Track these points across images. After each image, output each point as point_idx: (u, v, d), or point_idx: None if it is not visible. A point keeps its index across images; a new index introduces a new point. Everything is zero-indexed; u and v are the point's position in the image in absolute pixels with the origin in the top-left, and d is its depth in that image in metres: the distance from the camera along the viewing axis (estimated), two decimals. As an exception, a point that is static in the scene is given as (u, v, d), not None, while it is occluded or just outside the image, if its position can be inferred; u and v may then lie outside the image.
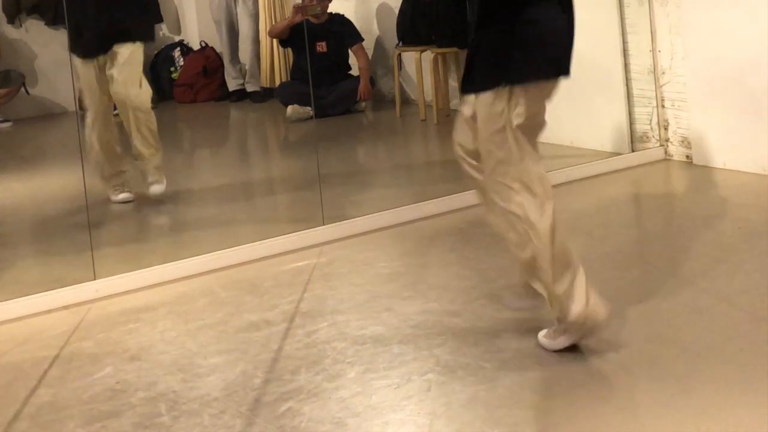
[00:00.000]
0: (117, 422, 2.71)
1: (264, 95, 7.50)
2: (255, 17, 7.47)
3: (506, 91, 2.81)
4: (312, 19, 6.94)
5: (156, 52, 7.59)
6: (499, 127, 2.83)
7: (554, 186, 4.73)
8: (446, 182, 4.87)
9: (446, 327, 3.16)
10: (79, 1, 4.79)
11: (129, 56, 4.85)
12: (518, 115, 2.81)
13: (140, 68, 4.93)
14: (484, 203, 3.02)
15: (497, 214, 2.91)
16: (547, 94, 2.89)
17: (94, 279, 3.84)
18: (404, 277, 3.69)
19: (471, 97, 2.92)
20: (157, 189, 4.98)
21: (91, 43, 4.87)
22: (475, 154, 2.96)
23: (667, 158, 5.17)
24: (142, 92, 4.88)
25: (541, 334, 2.97)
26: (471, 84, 2.90)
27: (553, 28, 2.86)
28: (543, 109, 2.90)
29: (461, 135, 3.00)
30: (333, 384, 2.83)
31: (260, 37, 7.46)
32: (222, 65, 7.64)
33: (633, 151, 5.25)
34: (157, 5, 5.49)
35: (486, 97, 2.84)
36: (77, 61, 4.89)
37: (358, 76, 7.11)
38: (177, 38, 7.80)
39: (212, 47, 7.71)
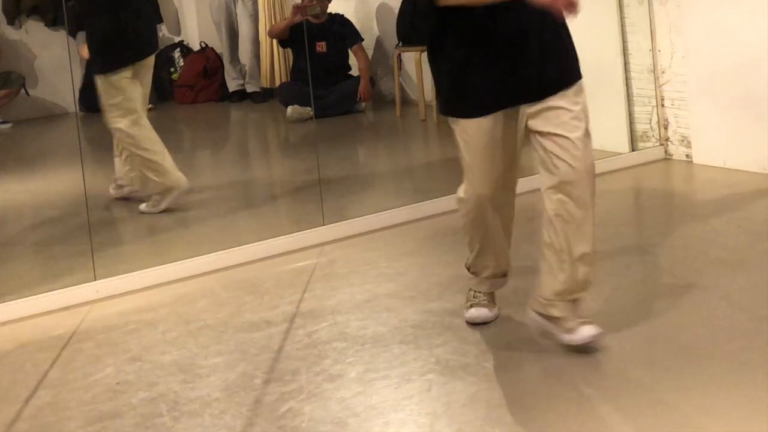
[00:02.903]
0: (118, 423, 2.72)
1: (264, 96, 7.50)
2: (254, 18, 7.46)
3: None
4: (312, 20, 6.93)
5: (156, 53, 7.56)
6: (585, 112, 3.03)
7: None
8: (446, 182, 4.85)
9: (446, 327, 3.16)
10: None
11: None
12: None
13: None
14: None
15: (587, 208, 3.07)
16: None
17: (95, 280, 3.84)
18: (404, 277, 3.70)
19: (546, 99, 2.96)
20: (143, 207, 4.89)
21: None
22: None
23: (667, 157, 5.17)
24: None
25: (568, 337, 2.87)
26: (562, 79, 2.97)
27: None
28: None
29: (492, 178, 3.00)
30: (333, 384, 2.83)
31: (260, 37, 7.45)
32: (222, 66, 7.63)
33: (633, 150, 5.25)
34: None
35: (579, 86, 3.01)
36: None
37: (358, 77, 7.10)
38: (177, 39, 7.79)
39: (212, 48, 7.70)
